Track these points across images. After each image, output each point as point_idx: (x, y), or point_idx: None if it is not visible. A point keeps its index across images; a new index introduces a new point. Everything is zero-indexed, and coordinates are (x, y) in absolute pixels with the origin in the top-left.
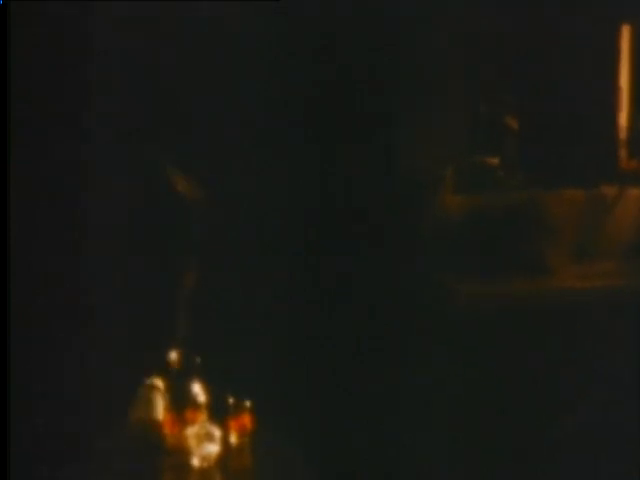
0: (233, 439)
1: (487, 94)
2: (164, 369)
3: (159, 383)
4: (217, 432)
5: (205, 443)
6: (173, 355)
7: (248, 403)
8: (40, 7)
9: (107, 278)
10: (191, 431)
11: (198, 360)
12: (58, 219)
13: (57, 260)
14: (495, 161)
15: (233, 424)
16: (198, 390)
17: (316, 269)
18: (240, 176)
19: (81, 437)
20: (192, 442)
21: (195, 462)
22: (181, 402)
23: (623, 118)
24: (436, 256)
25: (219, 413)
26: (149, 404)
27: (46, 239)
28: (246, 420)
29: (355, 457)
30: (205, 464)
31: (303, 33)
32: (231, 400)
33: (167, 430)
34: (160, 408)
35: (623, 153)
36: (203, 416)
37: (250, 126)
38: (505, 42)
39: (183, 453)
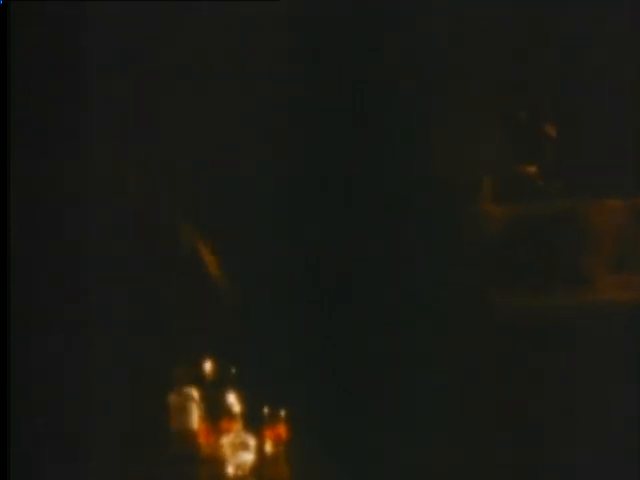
0: (268, 448)
1: (524, 100)
2: (199, 379)
3: (194, 393)
4: (252, 441)
5: (240, 452)
6: (208, 365)
7: (283, 412)
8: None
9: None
10: (226, 440)
11: (233, 370)
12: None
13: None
14: (534, 170)
15: (269, 433)
16: (233, 400)
17: (350, 278)
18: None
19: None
20: (227, 451)
21: (230, 471)
22: (216, 412)
23: None
24: (474, 266)
25: (254, 422)
26: (184, 414)
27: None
28: (281, 429)
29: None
30: (240, 473)
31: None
32: (266, 410)
33: (202, 439)
34: (195, 418)
35: None
36: (238, 425)
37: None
38: (545, 46)
39: (218, 462)
